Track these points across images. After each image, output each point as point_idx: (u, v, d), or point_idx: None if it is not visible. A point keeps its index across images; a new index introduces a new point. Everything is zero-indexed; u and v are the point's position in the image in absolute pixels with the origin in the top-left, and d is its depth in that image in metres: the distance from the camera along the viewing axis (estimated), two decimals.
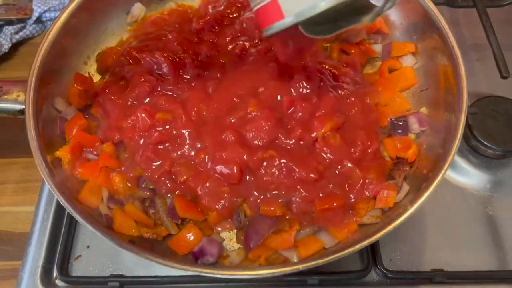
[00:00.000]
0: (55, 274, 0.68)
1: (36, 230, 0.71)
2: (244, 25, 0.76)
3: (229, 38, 0.76)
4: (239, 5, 0.78)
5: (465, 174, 0.75)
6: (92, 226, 0.55)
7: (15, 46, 0.92)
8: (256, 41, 0.75)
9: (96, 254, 0.69)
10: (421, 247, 0.69)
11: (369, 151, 0.65)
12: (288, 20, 0.50)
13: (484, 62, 0.81)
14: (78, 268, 0.68)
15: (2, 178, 0.79)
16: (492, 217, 0.71)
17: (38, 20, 0.93)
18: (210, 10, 0.80)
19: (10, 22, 0.92)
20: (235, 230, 0.64)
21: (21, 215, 0.76)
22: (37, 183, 0.76)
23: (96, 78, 0.75)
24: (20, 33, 0.92)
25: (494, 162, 0.75)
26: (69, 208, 0.55)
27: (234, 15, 0.79)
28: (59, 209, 0.72)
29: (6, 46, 0.89)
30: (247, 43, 0.75)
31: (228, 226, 0.63)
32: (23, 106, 0.62)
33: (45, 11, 0.92)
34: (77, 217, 0.55)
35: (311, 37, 0.52)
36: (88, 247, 0.70)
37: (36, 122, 0.61)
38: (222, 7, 0.80)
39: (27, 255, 0.69)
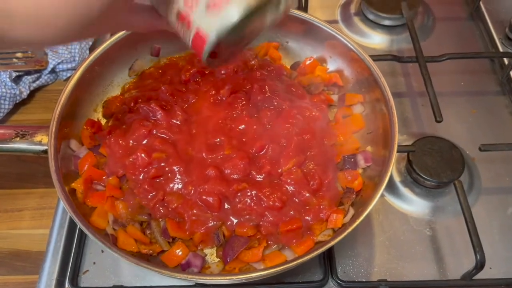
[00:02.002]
0: (67, 285, 0.77)
1: (51, 249, 0.79)
2: (223, 72, 0.86)
3: (208, 86, 0.84)
4: None
5: (409, 201, 0.86)
6: (102, 242, 0.64)
7: (32, 93, 1.04)
8: (227, 87, 0.82)
9: (101, 269, 0.78)
10: (371, 262, 0.80)
11: (325, 182, 0.75)
12: (211, 38, 0.52)
13: (428, 107, 0.90)
14: (86, 281, 0.77)
15: (22, 206, 0.89)
16: (430, 237, 0.82)
17: (52, 71, 1.04)
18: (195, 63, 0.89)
19: (28, 72, 1.04)
20: (215, 247, 0.72)
21: (37, 237, 0.84)
22: (51, 210, 0.85)
23: (103, 121, 0.85)
24: (37, 82, 1.04)
25: (432, 191, 0.86)
26: (83, 228, 0.64)
27: None
28: (70, 232, 0.81)
29: (25, 93, 1.01)
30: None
31: (209, 244, 0.72)
32: (46, 147, 0.72)
33: (58, 63, 1.04)
34: (90, 235, 0.64)
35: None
36: (94, 263, 0.79)
37: (56, 160, 0.70)
38: None
39: (43, 270, 0.78)
